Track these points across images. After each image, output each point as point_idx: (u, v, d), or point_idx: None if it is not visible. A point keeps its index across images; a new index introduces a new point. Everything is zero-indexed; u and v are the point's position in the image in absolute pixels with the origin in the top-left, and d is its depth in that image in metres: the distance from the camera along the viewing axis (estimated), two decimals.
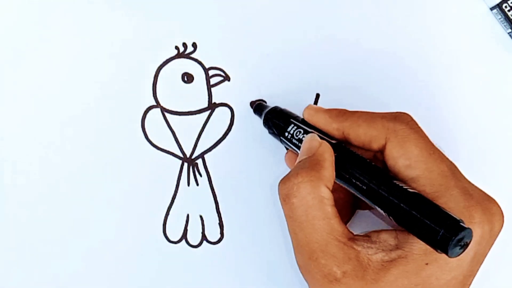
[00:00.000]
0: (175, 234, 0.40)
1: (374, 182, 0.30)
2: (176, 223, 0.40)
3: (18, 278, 0.40)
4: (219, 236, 0.40)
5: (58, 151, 0.40)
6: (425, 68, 0.40)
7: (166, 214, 0.40)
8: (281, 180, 0.32)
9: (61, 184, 0.40)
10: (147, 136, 0.40)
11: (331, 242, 0.30)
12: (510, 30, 0.39)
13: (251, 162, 0.40)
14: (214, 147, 0.40)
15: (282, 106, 0.38)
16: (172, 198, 0.40)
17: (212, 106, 0.40)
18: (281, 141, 0.37)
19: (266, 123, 0.38)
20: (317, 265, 0.30)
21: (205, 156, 0.40)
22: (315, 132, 0.34)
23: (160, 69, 0.40)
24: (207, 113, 0.40)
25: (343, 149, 0.33)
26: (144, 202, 0.40)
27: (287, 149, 0.38)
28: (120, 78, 0.40)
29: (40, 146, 0.40)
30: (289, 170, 0.33)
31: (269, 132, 0.38)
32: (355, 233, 0.31)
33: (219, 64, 0.40)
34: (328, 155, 0.32)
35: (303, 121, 0.36)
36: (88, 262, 0.40)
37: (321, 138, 0.33)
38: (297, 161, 0.33)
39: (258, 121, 0.40)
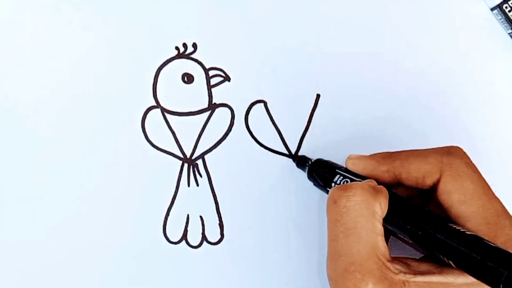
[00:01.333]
0: (175, 235, 0.40)
1: (430, 226, 0.30)
2: (176, 224, 0.40)
3: (18, 278, 0.40)
4: (219, 236, 0.40)
5: (58, 152, 0.40)
6: (425, 68, 0.40)
7: (166, 215, 0.40)
8: (335, 188, 0.31)
9: (61, 185, 0.40)
10: (147, 136, 0.40)
11: (372, 258, 0.29)
12: (510, 31, 0.39)
13: (251, 162, 0.40)
14: (214, 148, 0.40)
15: (284, 108, 0.38)
16: (172, 198, 0.40)
17: (212, 107, 0.40)
18: (327, 192, 0.36)
19: (311, 175, 0.37)
20: (352, 278, 0.29)
21: (205, 156, 0.40)
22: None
23: (160, 69, 0.40)
24: (207, 113, 0.40)
25: (396, 196, 0.32)
26: (144, 202, 0.40)
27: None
28: (120, 79, 0.40)
29: (40, 146, 0.40)
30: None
31: (314, 184, 0.37)
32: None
33: (219, 65, 0.40)
34: (385, 191, 0.32)
35: (347, 170, 0.35)
36: (88, 262, 0.40)
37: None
38: None
39: (258, 121, 0.40)
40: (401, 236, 0.32)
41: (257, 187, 0.40)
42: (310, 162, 0.38)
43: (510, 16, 0.38)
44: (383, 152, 0.34)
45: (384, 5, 0.40)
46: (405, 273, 0.30)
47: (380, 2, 0.40)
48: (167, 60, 0.40)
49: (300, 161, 0.39)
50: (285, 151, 0.40)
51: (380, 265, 0.29)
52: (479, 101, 0.40)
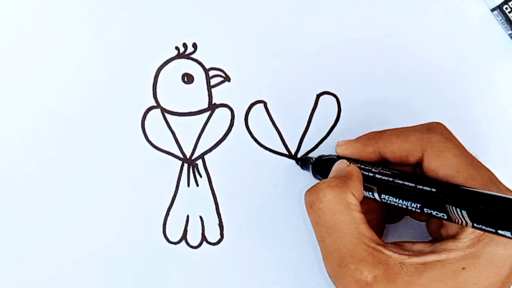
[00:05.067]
0: (175, 235, 0.40)
1: (442, 186, 0.30)
2: (176, 224, 0.40)
3: (18, 278, 0.40)
4: (219, 237, 0.40)
5: (57, 152, 0.40)
6: (425, 69, 0.40)
7: (166, 215, 0.40)
8: (307, 190, 0.32)
9: (61, 185, 0.40)
10: (147, 136, 0.40)
11: (360, 246, 0.30)
12: (510, 32, 0.39)
13: (251, 163, 0.40)
14: (214, 148, 0.40)
15: (284, 108, 0.38)
16: (172, 198, 0.40)
17: (212, 107, 0.40)
18: None
19: (316, 174, 0.38)
20: (347, 271, 0.30)
21: (205, 156, 0.40)
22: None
23: (160, 69, 0.40)
24: (207, 113, 0.40)
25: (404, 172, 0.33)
26: (144, 202, 0.40)
27: None
28: (120, 79, 0.40)
29: (39, 147, 0.40)
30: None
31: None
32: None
33: (219, 65, 0.40)
34: (356, 172, 0.32)
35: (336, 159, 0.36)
36: (88, 262, 0.40)
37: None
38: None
39: (258, 122, 0.40)
40: (401, 205, 0.31)
41: (257, 187, 0.40)
42: (312, 161, 0.38)
43: (510, 17, 0.38)
44: (368, 133, 0.35)
45: (384, 6, 0.40)
46: (400, 254, 0.30)
47: (380, 3, 0.40)
48: (167, 60, 0.40)
49: (303, 162, 0.39)
50: (285, 151, 0.40)
51: (371, 251, 0.30)
52: (479, 101, 0.40)
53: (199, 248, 0.40)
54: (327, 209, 0.30)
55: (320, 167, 0.37)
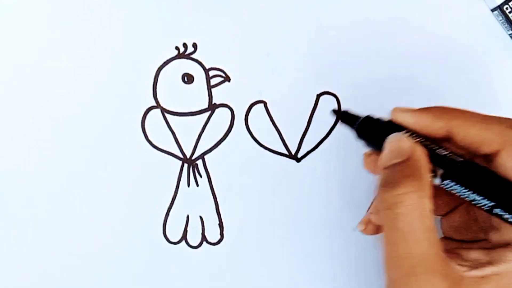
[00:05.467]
0: (175, 235, 0.40)
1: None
2: (176, 224, 0.40)
3: (18, 278, 0.40)
4: (219, 237, 0.40)
5: (58, 152, 0.40)
6: (425, 69, 0.40)
7: (166, 215, 0.40)
8: (383, 187, 0.30)
9: (61, 185, 0.40)
10: (147, 136, 0.40)
11: (434, 256, 0.29)
12: (511, 32, 0.39)
13: (251, 163, 0.40)
14: (214, 148, 0.40)
15: (284, 108, 0.38)
16: (172, 199, 0.40)
17: (212, 107, 0.40)
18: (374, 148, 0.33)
19: (360, 137, 0.34)
20: (417, 281, 0.28)
21: (205, 157, 0.40)
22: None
23: (161, 69, 0.40)
24: (207, 113, 0.40)
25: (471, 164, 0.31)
26: (144, 202, 0.40)
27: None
28: (120, 79, 0.40)
29: (40, 147, 0.40)
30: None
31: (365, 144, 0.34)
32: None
33: (220, 65, 0.40)
34: (424, 161, 0.30)
35: (392, 125, 0.32)
36: (88, 262, 0.40)
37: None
38: (386, 163, 0.31)
39: (258, 122, 0.40)
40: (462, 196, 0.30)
41: (257, 187, 0.40)
42: (358, 121, 0.33)
43: (511, 17, 0.38)
44: (436, 106, 0.32)
45: (384, 7, 0.40)
46: (460, 266, 0.29)
47: (380, 3, 0.40)
48: (167, 60, 0.40)
49: (345, 118, 0.34)
50: (285, 151, 0.40)
51: (441, 262, 0.29)
52: (479, 102, 0.40)
53: (199, 248, 0.40)
54: (406, 214, 0.29)
55: (367, 130, 0.33)
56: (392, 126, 0.32)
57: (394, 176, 0.30)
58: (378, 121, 0.33)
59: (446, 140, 0.32)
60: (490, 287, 0.29)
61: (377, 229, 0.35)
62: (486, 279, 0.29)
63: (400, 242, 0.29)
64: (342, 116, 0.34)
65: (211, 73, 0.40)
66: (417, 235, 0.29)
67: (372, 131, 0.33)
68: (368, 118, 0.33)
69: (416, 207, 0.29)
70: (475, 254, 0.31)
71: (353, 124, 0.34)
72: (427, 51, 0.40)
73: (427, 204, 0.29)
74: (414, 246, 0.29)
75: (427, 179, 0.30)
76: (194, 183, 0.40)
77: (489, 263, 0.30)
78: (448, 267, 0.29)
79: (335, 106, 0.40)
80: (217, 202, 0.40)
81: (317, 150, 0.40)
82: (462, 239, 0.33)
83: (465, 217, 0.34)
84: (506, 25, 0.39)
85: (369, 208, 0.36)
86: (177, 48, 0.40)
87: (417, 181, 0.29)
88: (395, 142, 0.31)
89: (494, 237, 0.32)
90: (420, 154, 0.30)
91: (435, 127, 0.31)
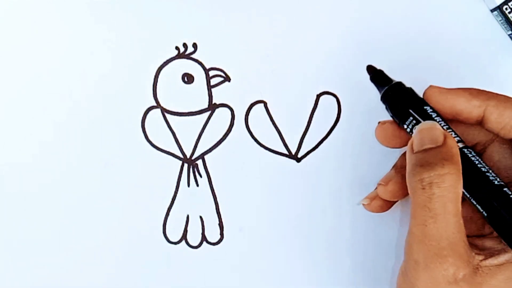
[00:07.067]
0: (175, 235, 0.40)
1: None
2: (176, 224, 0.40)
3: (18, 278, 0.40)
4: (219, 237, 0.40)
5: (58, 152, 0.40)
6: (425, 69, 0.40)
7: (166, 215, 0.40)
8: (420, 166, 0.30)
9: (61, 185, 0.40)
10: (147, 136, 0.40)
11: (461, 241, 0.29)
12: (510, 32, 0.39)
13: (251, 163, 0.40)
14: (214, 148, 0.40)
15: (284, 108, 0.38)
16: (172, 198, 0.40)
17: (212, 107, 0.40)
18: (399, 122, 0.33)
19: (385, 100, 0.34)
20: (443, 263, 0.29)
21: (205, 156, 0.40)
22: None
23: (161, 69, 0.40)
24: (207, 113, 0.40)
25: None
26: (144, 202, 0.40)
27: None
28: (120, 79, 0.40)
29: (39, 147, 0.40)
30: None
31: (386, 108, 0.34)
32: None
33: (220, 65, 0.40)
34: (456, 149, 0.30)
35: (420, 100, 0.33)
36: (88, 262, 0.40)
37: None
38: (419, 147, 0.31)
39: (258, 122, 0.40)
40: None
41: (257, 187, 0.40)
42: (386, 87, 0.34)
43: (510, 18, 0.38)
44: (472, 88, 0.33)
45: (384, 7, 0.40)
46: (477, 254, 0.30)
47: (379, 3, 0.40)
48: (167, 60, 0.40)
49: (377, 77, 0.35)
50: (285, 151, 0.40)
51: (466, 248, 0.29)
52: None
53: (199, 248, 0.40)
54: (441, 196, 0.29)
55: (396, 101, 0.33)
56: (419, 101, 0.33)
57: (431, 158, 0.30)
58: (407, 91, 0.33)
59: (478, 123, 0.32)
60: (503, 277, 0.29)
61: (381, 207, 0.36)
62: (500, 268, 0.29)
63: (431, 223, 0.29)
64: (376, 74, 0.35)
65: (211, 73, 0.40)
66: (448, 217, 0.29)
67: (399, 98, 0.33)
68: (399, 84, 0.34)
69: (452, 190, 0.29)
70: (489, 243, 0.31)
71: (383, 86, 0.34)
72: (426, 51, 0.40)
73: (461, 188, 0.30)
74: (445, 228, 0.29)
75: (460, 165, 0.30)
76: (194, 183, 0.40)
77: (504, 250, 0.30)
78: (470, 254, 0.29)
79: (335, 106, 0.40)
80: (217, 202, 0.40)
81: (317, 150, 0.40)
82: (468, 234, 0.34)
83: (469, 210, 0.35)
84: (505, 25, 0.39)
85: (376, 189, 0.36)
86: (177, 48, 0.40)
87: (456, 165, 0.30)
88: (428, 129, 0.31)
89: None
90: (453, 142, 0.31)
91: (469, 106, 0.32)
